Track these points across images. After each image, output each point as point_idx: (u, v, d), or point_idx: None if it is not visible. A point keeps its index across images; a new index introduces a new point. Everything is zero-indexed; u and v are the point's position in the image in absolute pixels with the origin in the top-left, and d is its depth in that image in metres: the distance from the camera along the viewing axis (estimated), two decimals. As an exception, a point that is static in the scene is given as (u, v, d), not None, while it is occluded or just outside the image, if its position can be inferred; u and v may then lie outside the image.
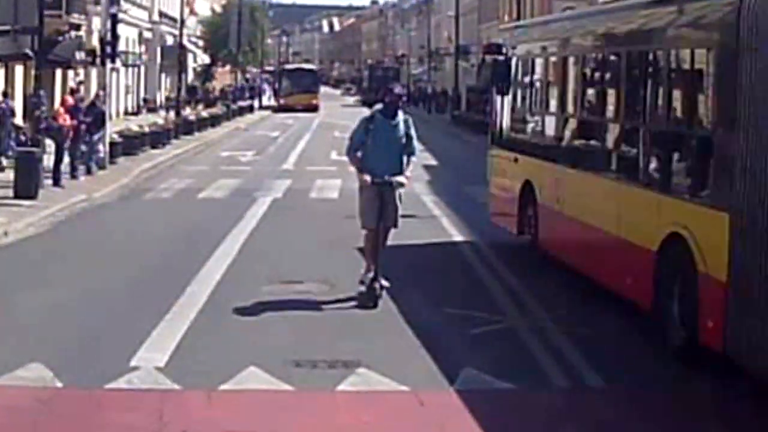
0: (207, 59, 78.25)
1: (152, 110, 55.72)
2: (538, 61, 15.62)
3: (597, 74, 13.38)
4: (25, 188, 20.75)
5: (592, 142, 13.27)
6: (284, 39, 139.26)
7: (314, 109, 71.69)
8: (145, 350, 10.03)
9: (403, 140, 12.40)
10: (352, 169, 29.41)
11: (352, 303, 12.26)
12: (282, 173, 29.19)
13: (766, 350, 8.33)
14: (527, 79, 15.97)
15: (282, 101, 75.84)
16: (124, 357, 9.73)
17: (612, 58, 12.80)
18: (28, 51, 29.55)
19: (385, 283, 12.29)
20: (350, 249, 16.39)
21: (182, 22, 51.72)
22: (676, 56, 10.85)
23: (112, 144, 28.62)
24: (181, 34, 51.94)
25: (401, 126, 12.40)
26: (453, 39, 69.17)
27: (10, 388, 8.86)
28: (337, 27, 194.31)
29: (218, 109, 55.76)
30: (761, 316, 8.40)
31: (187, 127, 42.06)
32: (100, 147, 26.76)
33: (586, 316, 11.91)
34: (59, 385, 8.98)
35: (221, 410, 8.53)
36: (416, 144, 12.62)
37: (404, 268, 14.29)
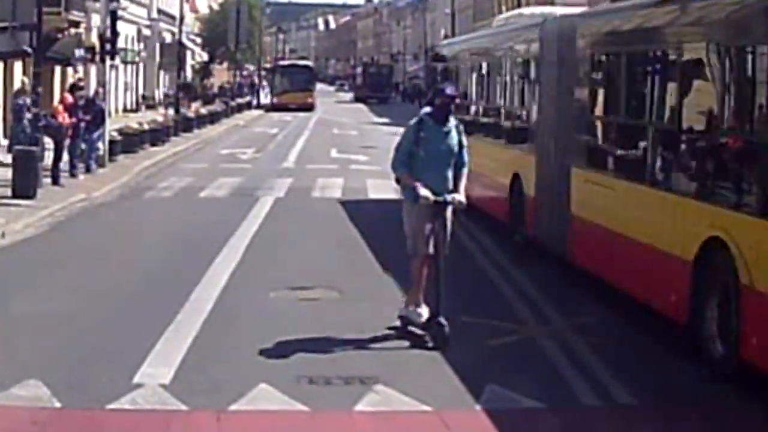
0: (205, 56, 77.42)
1: (151, 107, 54.99)
2: (459, 67, 21.93)
3: (482, 77, 19.73)
4: (24, 187, 19.98)
5: (480, 119, 19.53)
6: (281, 36, 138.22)
7: (309, 108, 66.88)
8: (148, 365, 9.25)
9: (456, 149, 10.45)
10: (354, 167, 29.52)
11: (405, 344, 10.17)
12: (283, 171, 28.41)
13: (549, 235, 14.27)
14: (454, 79, 21.59)
15: (275, 100, 70.16)
16: (126, 373, 8.96)
17: (487, 66, 19.51)
18: (26, 48, 28.88)
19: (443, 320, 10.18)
20: (356, 251, 15.72)
21: (181, 19, 50.98)
22: (516, 63, 17.22)
23: (112, 142, 27.87)
24: (180, 32, 51.22)
25: (453, 133, 10.46)
26: (449, 36, 68.38)
27: (5, 409, 8.07)
28: (332, 25, 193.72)
29: (217, 106, 54.99)
30: (547, 215, 14.35)
31: (186, 125, 41.31)
32: (100, 145, 26.03)
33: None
34: (58, 405, 8.19)
35: (232, 433, 7.80)
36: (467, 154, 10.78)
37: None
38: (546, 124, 14.76)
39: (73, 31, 40.23)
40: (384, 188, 24.58)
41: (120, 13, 33.81)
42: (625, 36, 12.23)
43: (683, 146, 10.36)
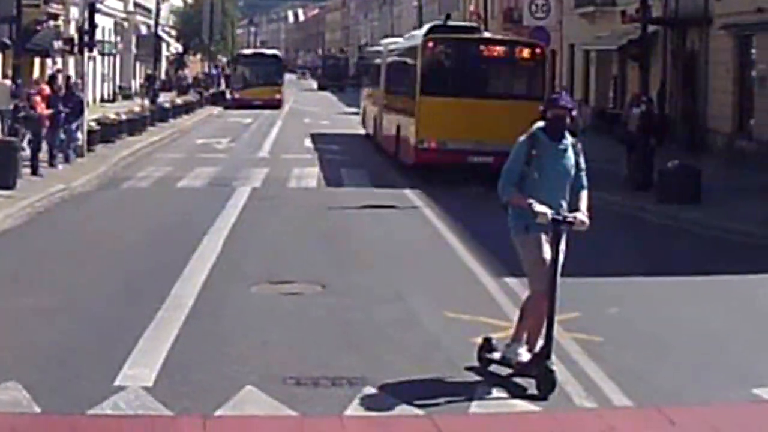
0: (180, 48, 76.31)
1: (127, 98, 54.07)
2: (372, 66, 35.21)
3: (372, 71, 33.92)
4: (3, 178, 19.20)
5: (372, 93, 33.02)
6: (252, 29, 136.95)
7: (277, 105, 54.86)
8: (130, 366, 8.57)
9: (572, 171, 8.48)
10: (328, 156, 28.92)
11: (503, 393, 8.18)
12: (258, 161, 27.66)
13: (381, 140, 30.51)
14: (370, 73, 35.72)
15: (236, 95, 56.74)
16: (108, 374, 8.29)
17: (374, 65, 33.74)
18: (5, 40, 28.10)
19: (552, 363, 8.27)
20: (335, 242, 15.14)
21: (157, 12, 50.20)
22: (380, 65, 31.47)
23: (90, 132, 27.00)
24: (156, 24, 50.38)
25: (570, 152, 8.47)
26: (417, 28, 67.64)
27: (-17, 415, 7.43)
28: (301, 17, 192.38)
29: (191, 97, 54.05)
30: (381, 135, 30.54)
31: (162, 115, 40.47)
32: (79, 135, 25.21)
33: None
34: (37, 410, 7.53)
35: (219, 441, 7.17)
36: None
37: (398, 270, 12.98)
38: (382, 94, 29.99)
39: (51, 23, 39.35)
40: (359, 177, 24.10)
41: (98, 5, 33.02)
42: (389, 56, 29.30)
43: (398, 99, 26.37)
